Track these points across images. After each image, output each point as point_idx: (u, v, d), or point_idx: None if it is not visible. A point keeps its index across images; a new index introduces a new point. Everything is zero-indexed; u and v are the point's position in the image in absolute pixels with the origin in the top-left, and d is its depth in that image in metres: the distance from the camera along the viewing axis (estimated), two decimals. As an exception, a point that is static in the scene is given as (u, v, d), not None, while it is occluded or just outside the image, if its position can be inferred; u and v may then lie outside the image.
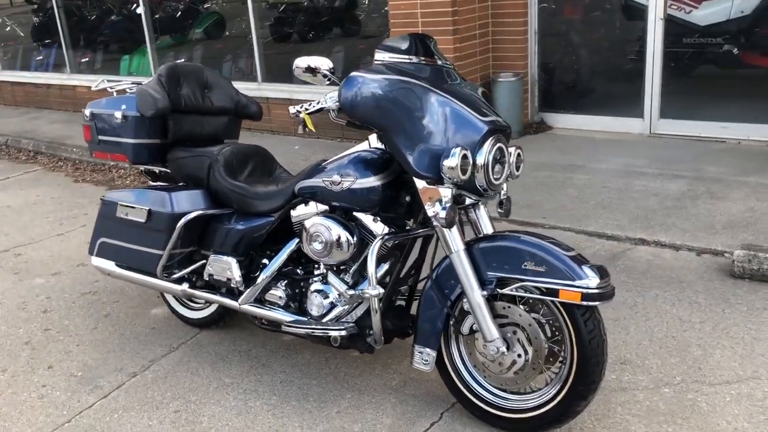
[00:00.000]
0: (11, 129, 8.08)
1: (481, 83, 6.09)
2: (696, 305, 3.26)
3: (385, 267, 2.69)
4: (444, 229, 2.43)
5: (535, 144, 5.87)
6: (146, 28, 8.32)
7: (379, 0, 5.99)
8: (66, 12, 9.42)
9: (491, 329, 2.39)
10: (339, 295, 2.65)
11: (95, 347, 3.34)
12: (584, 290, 2.24)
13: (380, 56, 2.47)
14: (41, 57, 10.05)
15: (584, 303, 2.25)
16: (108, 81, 3.54)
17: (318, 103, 2.55)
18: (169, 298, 3.50)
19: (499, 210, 2.67)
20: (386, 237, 2.55)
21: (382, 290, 2.48)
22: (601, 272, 2.31)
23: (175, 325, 3.48)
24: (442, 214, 2.33)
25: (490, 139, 2.40)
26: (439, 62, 2.55)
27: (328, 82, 2.51)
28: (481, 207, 2.62)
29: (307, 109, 2.56)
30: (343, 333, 2.62)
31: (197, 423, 2.71)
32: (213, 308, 3.33)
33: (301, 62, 2.47)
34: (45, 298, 3.90)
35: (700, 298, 3.32)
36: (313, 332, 2.70)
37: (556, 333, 2.40)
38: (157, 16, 8.90)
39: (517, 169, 2.61)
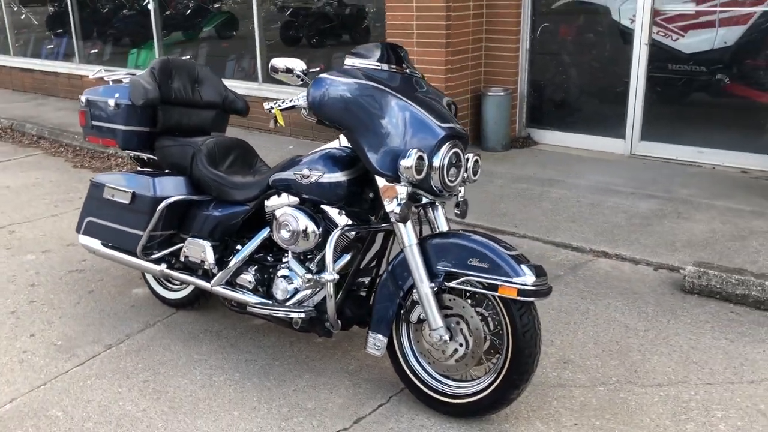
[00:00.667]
0: (17, 113, 8.32)
1: (471, 96, 6.31)
2: (644, 315, 3.45)
3: (347, 258, 2.89)
4: (399, 224, 2.63)
5: (519, 158, 6.08)
6: (154, 24, 8.56)
7: (383, 10, 6.19)
8: (80, 4, 9.68)
9: (436, 318, 2.59)
10: (301, 280, 2.85)
11: (76, 320, 3.54)
12: (520, 287, 2.44)
13: (350, 61, 2.68)
14: (52, 46, 10.31)
15: (520, 298, 2.44)
16: (106, 70, 3.75)
17: (291, 100, 2.76)
18: (149, 278, 3.71)
19: (456, 211, 2.86)
20: (346, 228, 2.75)
21: (337, 276, 2.68)
22: (538, 271, 2.50)
23: (153, 304, 3.68)
24: (397, 209, 2.54)
25: (447, 143, 2.60)
26: (408, 71, 2.76)
27: (301, 82, 2.72)
28: (440, 207, 2.81)
29: (279, 106, 2.77)
30: (303, 315, 2.82)
31: (163, 392, 2.91)
32: (189, 289, 3.53)
33: (278, 63, 2.69)
34: (34, 273, 4.11)
35: (649, 309, 3.51)
36: (275, 314, 2.90)
37: (498, 326, 2.60)
38: (168, 12, 9.16)
39: (474, 174, 2.81)
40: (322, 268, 2.90)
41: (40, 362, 3.16)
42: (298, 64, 2.69)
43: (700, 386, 2.86)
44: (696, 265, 3.72)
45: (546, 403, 2.78)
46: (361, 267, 2.96)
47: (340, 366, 3.08)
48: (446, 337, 2.58)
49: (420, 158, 2.51)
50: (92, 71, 3.91)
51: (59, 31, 10.14)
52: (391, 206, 2.58)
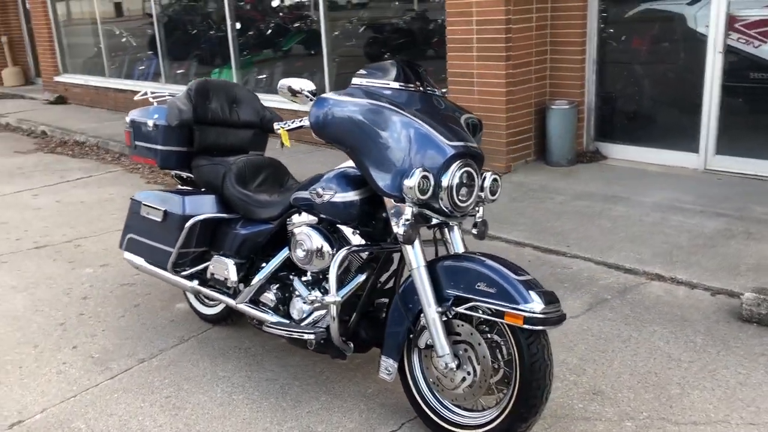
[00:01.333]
0: (105, 132, 8.78)
1: (535, 110, 6.13)
2: (691, 344, 3.21)
3: (362, 278, 2.84)
4: (407, 246, 2.56)
5: (584, 173, 5.84)
6: (231, 44, 8.85)
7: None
8: (170, 26, 10.14)
9: (443, 344, 2.49)
10: (312, 300, 2.82)
11: (117, 333, 3.66)
12: (527, 314, 2.31)
13: (357, 81, 2.64)
14: (143, 67, 10.84)
15: (526, 326, 2.31)
16: (151, 92, 3.88)
17: (300, 120, 2.75)
18: (189, 294, 3.78)
19: (473, 232, 2.76)
20: (352, 249, 2.70)
21: (338, 298, 2.63)
22: (549, 298, 2.36)
23: (191, 319, 3.75)
24: (401, 230, 2.47)
25: (458, 162, 2.51)
26: (421, 89, 2.69)
27: (311, 103, 2.70)
28: (456, 228, 2.72)
29: (285, 127, 2.77)
30: (312, 337, 2.78)
31: (182, 409, 2.94)
32: (222, 306, 3.58)
33: (285, 82, 2.68)
34: (88, 287, 4.29)
35: (698, 338, 3.26)
36: (290, 334, 2.88)
37: (509, 355, 2.47)
38: (250, 33, 9.44)
39: (492, 194, 2.70)
40: (339, 288, 2.86)
41: (75, 374, 3.28)
42: (306, 85, 2.68)
43: (742, 426, 2.62)
44: (755, 291, 3.42)
45: (565, 437, 2.62)
46: (378, 287, 2.90)
47: (358, 389, 3.02)
48: (453, 364, 2.48)
49: (425, 177, 2.44)
50: (140, 91, 4.04)
51: (149, 52, 10.65)
52: (397, 227, 2.52)
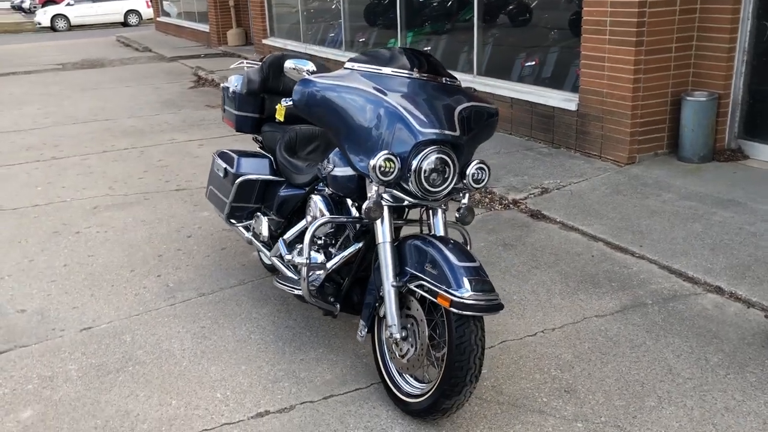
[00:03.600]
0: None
1: (672, 100, 5.75)
2: (702, 362, 3.03)
3: (358, 246, 3.08)
4: (376, 222, 2.75)
5: (711, 172, 5.41)
6: (399, 15, 9.18)
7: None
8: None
9: (392, 315, 2.67)
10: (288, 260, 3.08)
11: (196, 270, 4.25)
12: (455, 298, 2.42)
13: (350, 64, 2.85)
14: (333, 34, 11.60)
15: (452, 309, 2.43)
16: (247, 61, 4.36)
17: (290, 100, 3.01)
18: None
19: (456, 216, 2.87)
20: (328, 219, 2.95)
21: (305, 260, 2.90)
22: (482, 287, 2.45)
23: (258, 267, 4.23)
24: (364, 207, 2.67)
25: (430, 148, 2.64)
26: (418, 75, 2.83)
27: None
28: (439, 212, 2.85)
29: (284, 103, 3.04)
30: (299, 293, 3.08)
31: (207, 339, 3.43)
32: (276, 258, 4.01)
33: (289, 64, 2.97)
34: (197, 227, 4.96)
35: (714, 358, 3.06)
36: (291, 289, 3.22)
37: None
38: (434, 4, 9.71)
39: (476, 182, 2.79)
40: (342, 250, 3.12)
41: (147, 297, 3.91)
42: (307, 66, 2.94)
43: (695, 450, 2.50)
44: (801, 318, 3.11)
45: (508, 424, 2.69)
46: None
47: (353, 348, 3.28)
48: (397, 335, 2.66)
49: (389, 160, 2.61)
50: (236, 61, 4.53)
51: (339, 20, 11.36)
52: (365, 204, 2.72)
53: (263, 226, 3.58)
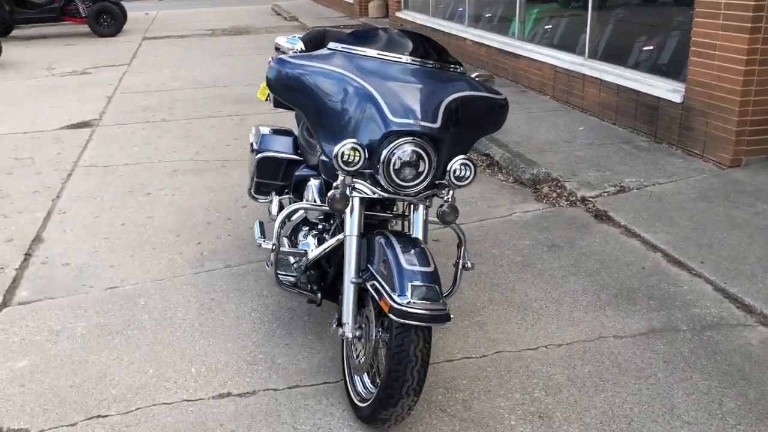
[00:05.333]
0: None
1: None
2: (714, 406, 2.62)
3: (341, 236, 2.95)
4: (345, 214, 2.61)
5: (829, 184, 4.68)
6: (519, -7, 8.74)
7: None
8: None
9: (347, 312, 2.54)
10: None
11: (233, 241, 4.31)
12: (394, 304, 2.25)
13: (333, 45, 2.69)
14: (461, 9, 11.29)
15: (390, 315, 2.26)
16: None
17: None
18: (294, 221, 4.24)
19: (437, 215, 2.66)
20: (301, 207, 2.85)
21: (271, 245, 2.80)
22: (427, 296, 2.26)
23: (292, 243, 4.22)
24: (328, 196, 2.54)
25: (402, 139, 2.46)
26: (405, 59, 2.63)
27: None
28: (421, 209, 2.66)
29: None
30: (287, 279, 3.00)
31: (211, 311, 3.46)
32: (302, 237, 3.96)
33: (280, 39, 2.86)
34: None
35: (731, 403, 2.64)
36: (276, 275, 3.14)
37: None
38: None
39: (459, 180, 2.57)
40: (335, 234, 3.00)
41: (179, 263, 4.02)
42: (294, 45, 2.82)
43: None
44: None
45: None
46: None
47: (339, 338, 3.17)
48: (349, 334, 2.52)
49: (354, 149, 2.45)
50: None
51: (470, -5, 11.02)
52: (329, 193, 2.58)
53: (273, 204, 3.54)
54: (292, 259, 3.21)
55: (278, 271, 2.99)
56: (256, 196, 3.82)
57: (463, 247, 2.92)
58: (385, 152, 2.45)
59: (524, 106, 7.27)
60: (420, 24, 11.94)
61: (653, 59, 6.20)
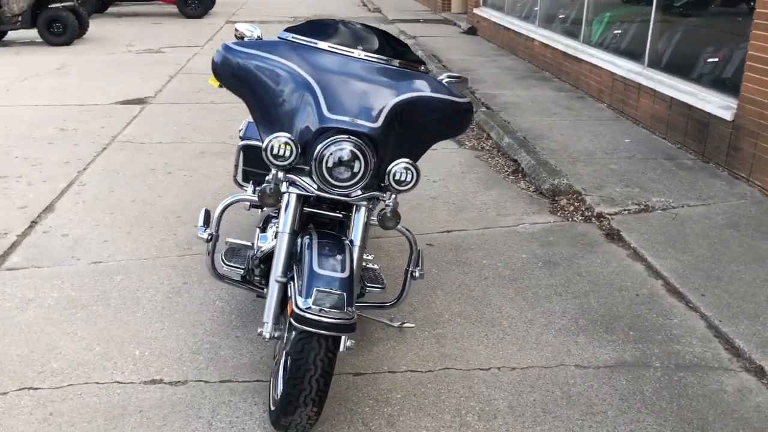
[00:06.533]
0: (474, 68, 9.35)
1: None
2: (655, 456, 2.38)
3: None
4: (281, 210, 2.52)
5: None
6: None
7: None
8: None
9: (268, 312, 2.46)
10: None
11: (232, 225, 4.28)
12: (295, 308, 2.16)
13: (284, 34, 2.60)
14: (537, 8, 10.93)
15: (290, 319, 2.16)
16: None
17: None
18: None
19: (377, 219, 2.53)
20: (238, 199, 2.75)
21: (205, 236, 2.73)
22: (330, 303, 2.15)
23: (285, 235, 4.16)
24: (258, 190, 2.46)
25: (337, 137, 2.35)
26: (358, 54, 2.52)
27: None
28: (362, 211, 2.55)
29: None
30: (235, 272, 2.93)
31: (178, 295, 3.46)
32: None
33: (240, 25, 2.79)
34: (268, 186, 5.01)
35: (678, 455, 2.39)
36: (213, 266, 3.03)
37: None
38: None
39: (398, 183, 2.44)
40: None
41: (169, 245, 4.04)
42: (252, 31, 2.74)
43: None
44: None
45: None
46: None
47: (292, 337, 3.09)
48: (266, 334, 2.44)
49: (286, 143, 2.36)
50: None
51: (544, -5, 10.65)
52: (259, 187, 2.50)
53: (248, 191, 3.49)
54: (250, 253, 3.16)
55: (227, 263, 2.94)
56: (243, 183, 3.79)
57: (420, 259, 2.78)
58: (318, 149, 2.35)
59: (576, 112, 6.95)
60: (493, 21, 11.66)
61: (716, 72, 5.76)
